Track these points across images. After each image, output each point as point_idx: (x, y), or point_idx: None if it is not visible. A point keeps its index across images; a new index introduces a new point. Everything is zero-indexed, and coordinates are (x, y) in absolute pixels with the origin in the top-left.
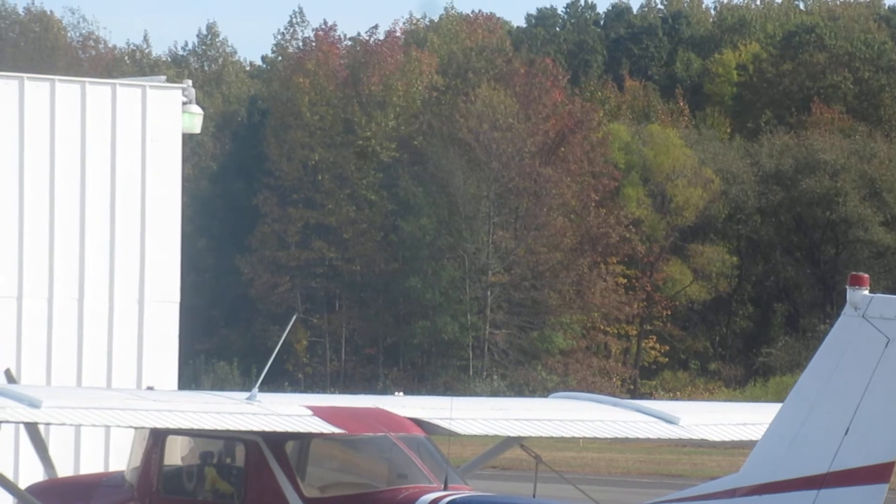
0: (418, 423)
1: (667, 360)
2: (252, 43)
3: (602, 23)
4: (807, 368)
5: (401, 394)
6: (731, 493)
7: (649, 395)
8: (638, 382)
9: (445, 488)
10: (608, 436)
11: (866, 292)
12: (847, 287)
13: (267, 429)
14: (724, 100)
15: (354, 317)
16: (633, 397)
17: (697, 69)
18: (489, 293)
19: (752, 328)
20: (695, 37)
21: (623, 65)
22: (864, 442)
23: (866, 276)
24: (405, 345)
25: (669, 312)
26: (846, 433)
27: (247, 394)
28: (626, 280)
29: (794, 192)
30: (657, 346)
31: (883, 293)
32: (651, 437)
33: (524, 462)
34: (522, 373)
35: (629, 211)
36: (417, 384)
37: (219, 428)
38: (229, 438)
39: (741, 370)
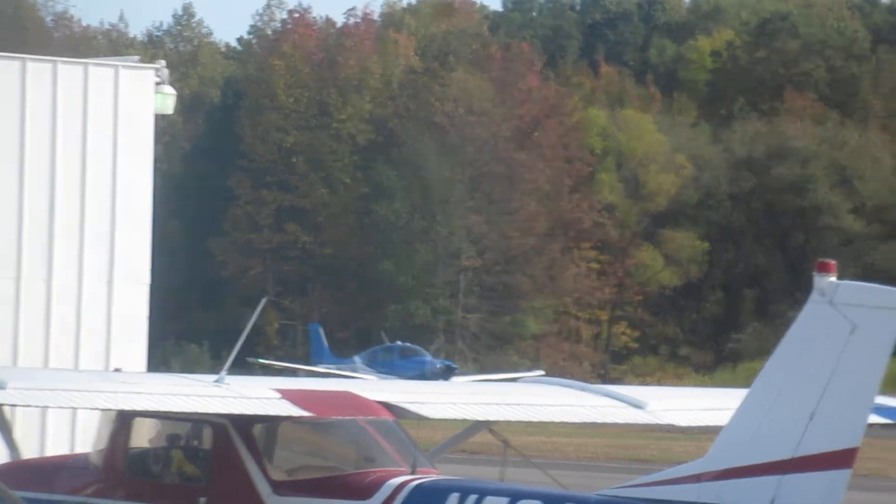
0: (388, 406)
1: (637, 345)
2: (228, 25)
3: (578, 8)
4: (773, 354)
5: (372, 377)
6: (697, 478)
7: (619, 381)
8: (608, 367)
9: (413, 472)
10: (576, 420)
11: (833, 279)
12: (814, 274)
13: (235, 412)
14: (697, 86)
15: (327, 300)
16: (604, 382)
17: (672, 55)
18: (462, 277)
19: (721, 314)
20: (670, 23)
21: (599, 50)
22: (828, 428)
23: (833, 262)
24: (377, 329)
25: (641, 298)
26: (811, 419)
27: (215, 376)
28: (598, 265)
29: (765, 179)
30: (628, 331)
31: (851, 280)
32: (619, 421)
33: (493, 446)
34: (494, 357)
35: (602, 196)
36: None
37: (186, 410)
38: (196, 421)
39: (711, 356)
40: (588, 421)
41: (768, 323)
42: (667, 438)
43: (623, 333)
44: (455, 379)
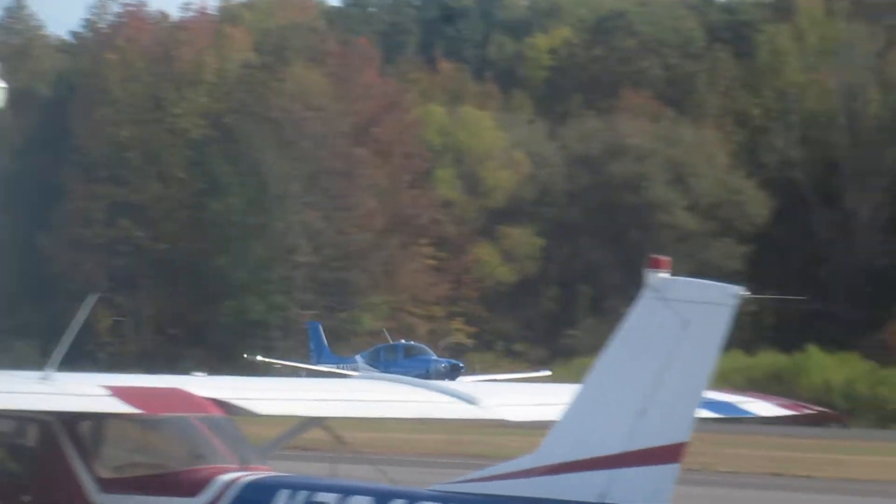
0: (219, 403)
1: (474, 341)
2: (61, 18)
3: (417, 4)
4: (606, 349)
5: (203, 374)
6: (528, 473)
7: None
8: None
9: (243, 469)
10: (408, 416)
11: (666, 275)
12: (647, 270)
13: (60, 408)
14: (535, 83)
15: (160, 296)
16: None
17: (510, 52)
18: (298, 273)
19: (557, 310)
20: (509, 20)
21: (437, 46)
22: (659, 423)
23: (666, 259)
24: (212, 325)
25: (477, 294)
26: (642, 414)
27: (42, 373)
28: (435, 262)
29: (602, 176)
30: (464, 327)
31: (685, 276)
32: (451, 417)
33: (327, 443)
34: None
35: (440, 193)
36: (223, 365)
37: (10, 408)
38: (21, 419)
39: (546, 351)
40: (421, 417)
41: (603, 319)
42: (500, 433)
43: (459, 329)
44: (461, 378)
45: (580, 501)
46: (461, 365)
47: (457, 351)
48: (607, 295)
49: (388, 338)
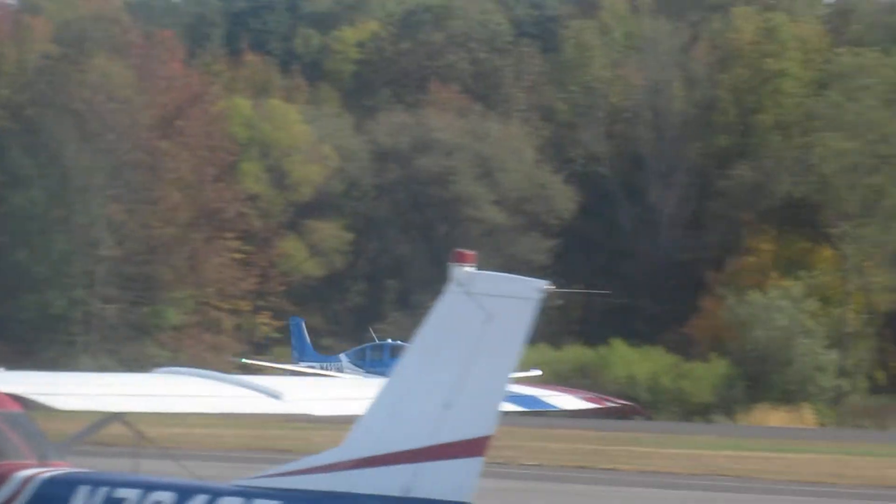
0: (16, 398)
1: (280, 335)
2: None
3: None
4: (411, 343)
5: (0, 369)
6: (332, 468)
7: (260, 371)
8: (249, 358)
9: (42, 465)
10: (212, 411)
11: (471, 269)
12: (452, 264)
13: None
14: (342, 76)
15: None
16: (245, 373)
17: (317, 45)
18: (100, 267)
19: (365, 304)
20: (315, 13)
21: (243, 39)
22: (463, 416)
23: (471, 252)
24: (12, 319)
25: (284, 288)
26: (447, 408)
27: None
28: (241, 255)
29: (410, 170)
30: (271, 321)
31: (493, 270)
32: (255, 412)
33: (129, 438)
34: (133, 348)
35: (246, 186)
36: (23, 360)
37: None
38: None
39: (353, 346)
40: (224, 411)
41: (411, 313)
42: (305, 428)
43: (266, 324)
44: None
45: (384, 496)
46: None
47: (262, 346)
48: (415, 289)
49: (374, 336)
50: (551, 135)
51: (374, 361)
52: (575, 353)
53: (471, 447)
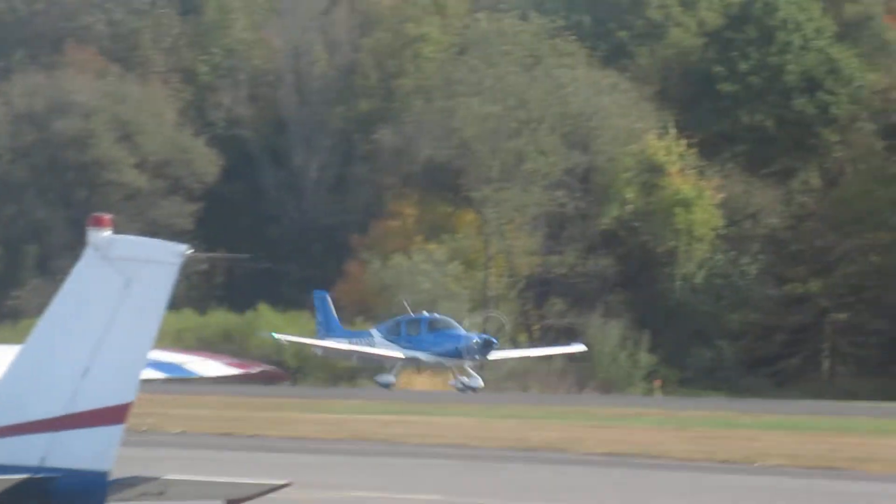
0: None
1: None
2: None
3: None
4: (47, 310)
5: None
6: None
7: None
8: None
9: None
10: None
11: (109, 233)
12: (89, 228)
13: None
14: None
15: None
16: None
17: None
18: None
19: (1, 270)
20: None
21: None
22: (102, 383)
23: (108, 217)
24: None
25: None
26: (85, 375)
27: None
28: None
29: (47, 133)
30: None
31: (135, 235)
32: None
33: None
34: None
35: None
36: None
37: None
38: None
39: None
40: None
41: (50, 279)
42: None
43: None
44: (494, 354)
45: (20, 466)
46: (495, 340)
47: None
48: (55, 255)
49: (409, 309)
50: (193, 98)
51: (411, 337)
52: (220, 318)
53: (110, 415)
